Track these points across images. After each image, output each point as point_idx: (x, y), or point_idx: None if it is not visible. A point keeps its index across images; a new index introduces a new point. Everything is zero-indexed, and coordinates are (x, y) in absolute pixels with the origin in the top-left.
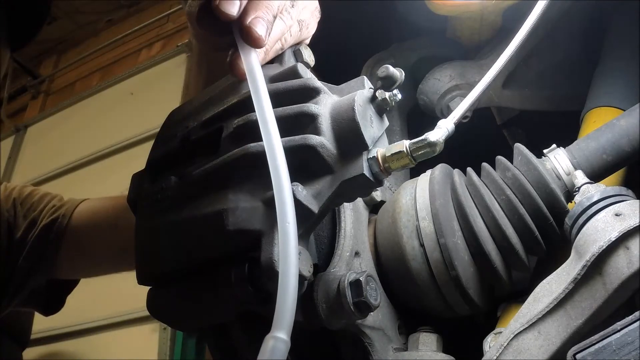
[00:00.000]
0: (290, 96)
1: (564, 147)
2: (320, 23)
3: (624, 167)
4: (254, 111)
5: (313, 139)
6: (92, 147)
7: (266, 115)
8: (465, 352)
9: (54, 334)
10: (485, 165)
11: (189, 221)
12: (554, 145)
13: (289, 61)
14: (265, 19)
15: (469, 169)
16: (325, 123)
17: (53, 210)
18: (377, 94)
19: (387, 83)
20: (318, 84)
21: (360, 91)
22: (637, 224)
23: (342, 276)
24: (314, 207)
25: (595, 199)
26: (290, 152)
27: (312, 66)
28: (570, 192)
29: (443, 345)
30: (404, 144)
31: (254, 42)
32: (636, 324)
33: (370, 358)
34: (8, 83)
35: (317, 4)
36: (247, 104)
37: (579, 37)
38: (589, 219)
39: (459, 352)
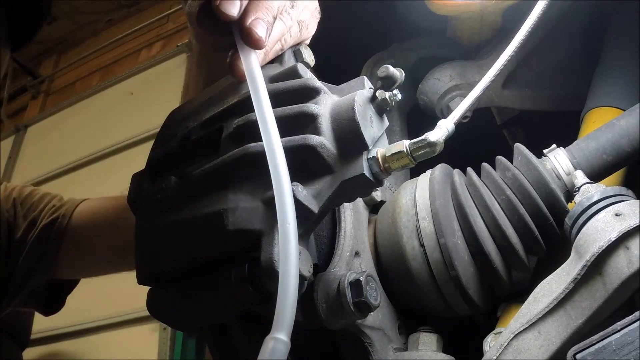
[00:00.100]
0: (290, 96)
1: (564, 147)
2: (320, 23)
3: (624, 167)
4: (254, 111)
5: (313, 139)
6: (92, 147)
7: (266, 116)
8: (465, 352)
9: (54, 334)
10: (485, 165)
11: (189, 221)
12: (554, 145)
13: (289, 61)
14: (265, 20)
15: (469, 169)
16: (325, 123)
17: (53, 210)
18: (377, 94)
19: (387, 83)
20: (318, 84)
21: (360, 91)
22: (637, 224)
23: (342, 276)
24: (314, 207)
25: (595, 199)
26: (290, 152)
27: (312, 66)
28: (570, 192)
29: (443, 345)
30: (404, 144)
31: (254, 44)
32: (636, 324)
33: (370, 358)
34: (8, 83)
35: (317, 4)
36: (247, 104)
37: (579, 37)
38: (589, 219)
39: (459, 352)
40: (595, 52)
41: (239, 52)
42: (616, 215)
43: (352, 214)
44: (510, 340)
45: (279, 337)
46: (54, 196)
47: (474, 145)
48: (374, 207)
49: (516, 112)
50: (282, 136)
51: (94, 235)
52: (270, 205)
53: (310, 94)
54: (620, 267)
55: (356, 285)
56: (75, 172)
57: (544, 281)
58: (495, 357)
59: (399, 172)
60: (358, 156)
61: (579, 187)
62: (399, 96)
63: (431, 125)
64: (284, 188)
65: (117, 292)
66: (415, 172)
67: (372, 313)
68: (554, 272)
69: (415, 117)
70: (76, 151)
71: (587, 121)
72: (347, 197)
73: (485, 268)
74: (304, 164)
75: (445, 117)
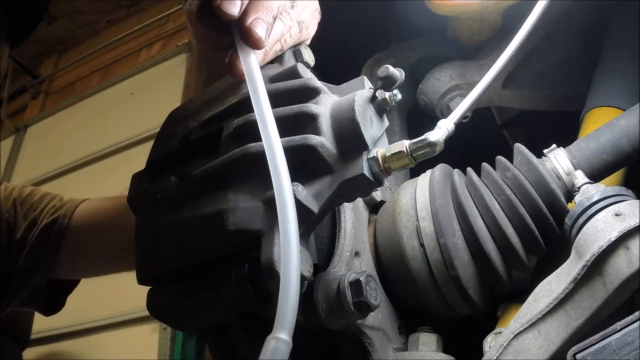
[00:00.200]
0: (290, 96)
1: (564, 147)
2: (320, 23)
3: (624, 167)
4: (254, 111)
5: (313, 139)
6: (92, 147)
7: (265, 116)
8: (465, 352)
9: (54, 334)
10: (485, 165)
11: (189, 221)
12: (554, 145)
13: (289, 61)
14: (265, 20)
15: (469, 169)
16: (325, 123)
17: (53, 210)
18: (377, 94)
19: (387, 83)
20: (318, 84)
21: (360, 91)
22: (637, 224)
23: (342, 276)
24: (314, 207)
25: (595, 199)
26: (290, 152)
27: (312, 66)
28: (570, 192)
29: (443, 345)
30: (404, 144)
31: (254, 44)
32: (636, 324)
33: (370, 358)
34: (8, 83)
35: (317, 5)
36: (247, 104)
37: (579, 37)
38: (589, 219)
39: (459, 352)
40: (595, 52)
41: (239, 52)
42: (616, 215)
43: (352, 214)
44: (510, 340)
45: (281, 337)
46: (54, 196)
47: (474, 145)
48: (374, 207)
49: (516, 112)
50: (282, 136)
51: (94, 236)
52: (270, 205)
53: (310, 94)
54: (620, 267)
55: (356, 285)
56: (75, 172)
57: (544, 281)
58: (495, 357)
59: (399, 172)
60: (358, 156)
61: (579, 187)
62: (399, 96)
63: (431, 125)
64: (284, 188)
65: (117, 292)
66: (415, 172)
67: (372, 313)
68: (554, 272)
69: (415, 117)
70: (76, 151)
71: (587, 121)
72: (347, 197)
73: (485, 268)
74: (304, 164)
75: (445, 117)
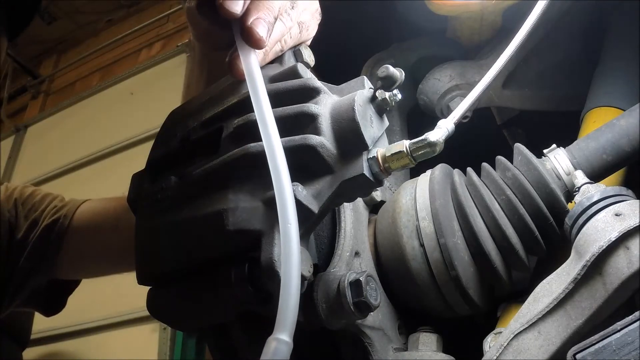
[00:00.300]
0: (290, 96)
1: (564, 147)
2: (320, 23)
3: (624, 167)
4: (254, 111)
5: (313, 139)
6: (92, 147)
7: (265, 116)
8: (465, 352)
9: (54, 334)
10: (485, 165)
11: (189, 221)
12: (554, 145)
13: (289, 61)
14: (266, 20)
15: (469, 169)
16: (325, 123)
17: (54, 210)
18: (377, 94)
19: (387, 83)
20: (318, 84)
21: (360, 91)
22: (637, 224)
23: (342, 276)
24: (314, 207)
25: (595, 199)
26: (290, 152)
27: (312, 66)
28: (570, 192)
29: (443, 345)
30: (404, 144)
31: (255, 43)
32: (636, 324)
33: (370, 358)
34: (8, 83)
35: (317, 6)
36: (247, 104)
37: (579, 37)
38: (589, 219)
39: (459, 352)
40: (595, 52)
41: (239, 52)
42: (616, 215)
43: (352, 214)
44: (510, 340)
45: (281, 338)
46: (55, 197)
47: (474, 145)
48: (374, 207)
49: (516, 112)
50: (282, 136)
51: (95, 236)
52: (270, 205)
53: (310, 94)
54: (620, 267)
55: (356, 285)
56: (75, 172)
57: (544, 281)
58: (495, 357)
59: (399, 172)
60: (358, 156)
61: (579, 187)
62: (399, 96)
63: (431, 125)
64: (285, 188)
65: (117, 292)
66: (415, 172)
67: (372, 313)
68: (554, 272)
69: (415, 117)
70: (76, 151)
71: (587, 121)
72: (347, 197)
73: (485, 268)
74: (304, 164)
75: (445, 117)
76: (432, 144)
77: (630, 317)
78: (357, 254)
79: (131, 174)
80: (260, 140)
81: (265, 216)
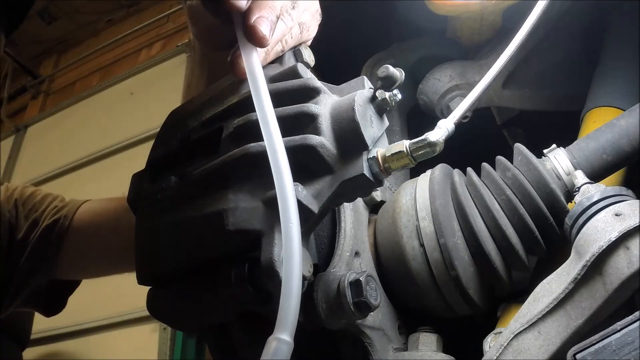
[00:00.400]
0: (290, 96)
1: (564, 147)
2: (320, 24)
3: (624, 167)
4: (254, 111)
5: (313, 139)
6: (92, 147)
7: (267, 115)
8: (465, 352)
9: (54, 334)
10: (485, 165)
11: (189, 221)
12: (554, 145)
13: (289, 61)
14: (269, 18)
15: (469, 169)
16: (325, 123)
17: (55, 211)
18: (377, 94)
19: (387, 83)
20: (318, 83)
21: (360, 91)
22: (637, 224)
23: (342, 276)
24: (314, 207)
25: (595, 199)
26: (290, 152)
27: (312, 66)
28: (570, 192)
29: (443, 345)
30: (404, 144)
31: (258, 41)
32: (636, 324)
33: (370, 358)
34: (8, 83)
35: (318, 6)
36: (247, 104)
37: (579, 37)
38: (589, 219)
39: (459, 352)
40: (595, 52)
41: (241, 50)
42: (616, 215)
43: (352, 214)
44: (510, 340)
45: (282, 338)
46: (55, 197)
47: (474, 145)
48: (374, 207)
49: (516, 112)
50: (282, 136)
51: (96, 237)
52: (270, 205)
53: (310, 94)
54: (620, 267)
55: (356, 285)
56: (75, 172)
57: (544, 281)
58: (495, 357)
59: (399, 172)
60: (358, 156)
61: (579, 187)
62: (399, 96)
63: (431, 125)
64: (287, 187)
65: (117, 292)
66: (415, 172)
67: (372, 313)
68: (554, 272)
69: (415, 117)
70: (76, 151)
71: (587, 121)
72: (347, 197)
73: (485, 268)
74: (304, 164)
75: (445, 117)
76: (432, 144)
77: (630, 317)
78: (357, 254)
79: (131, 174)
80: (261, 140)
81: (265, 216)
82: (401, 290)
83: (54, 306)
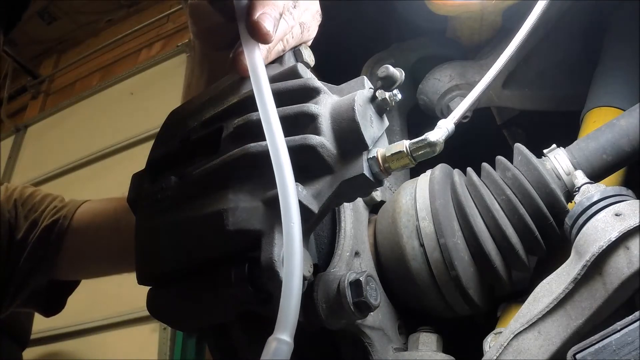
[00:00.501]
0: (290, 96)
1: (564, 147)
2: (320, 24)
3: (624, 167)
4: (254, 111)
5: (313, 139)
6: (92, 147)
7: (269, 111)
8: (465, 352)
9: (54, 334)
10: (485, 165)
11: (189, 221)
12: (554, 145)
13: (289, 61)
14: (272, 15)
15: (469, 169)
16: (325, 123)
17: (54, 211)
18: (377, 94)
19: (387, 83)
20: (318, 83)
21: (360, 91)
22: (637, 224)
23: (342, 276)
24: (314, 207)
25: (595, 199)
26: (291, 152)
27: (312, 66)
28: (570, 192)
29: (443, 345)
30: (404, 144)
31: (262, 37)
32: (636, 324)
33: (370, 358)
34: (8, 83)
35: (318, 7)
36: (247, 104)
37: (579, 37)
38: (589, 219)
39: (459, 352)
40: (595, 52)
41: (243, 47)
42: (616, 215)
43: (352, 214)
44: (510, 340)
45: (282, 338)
46: (55, 197)
47: (474, 145)
48: (374, 207)
49: (516, 112)
50: None
51: (95, 237)
52: (270, 205)
53: (310, 94)
54: (620, 267)
55: (356, 285)
56: (75, 172)
57: (544, 281)
58: (495, 357)
59: (399, 172)
60: (358, 156)
61: (579, 187)
62: (399, 96)
63: (431, 125)
64: (288, 187)
65: (117, 292)
66: (415, 172)
67: (372, 313)
68: (554, 272)
69: (415, 117)
70: (76, 151)
71: (587, 121)
72: (347, 197)
73: (485, 268)
74: (304, 164)
75: (445, 117)
76: (432, 144)
77: (630, 317)
78: (357, 254)
79: (131, 174)
80: (260, 140)
81: (265, 216)
82: (401, 290)
83: (53, 306)
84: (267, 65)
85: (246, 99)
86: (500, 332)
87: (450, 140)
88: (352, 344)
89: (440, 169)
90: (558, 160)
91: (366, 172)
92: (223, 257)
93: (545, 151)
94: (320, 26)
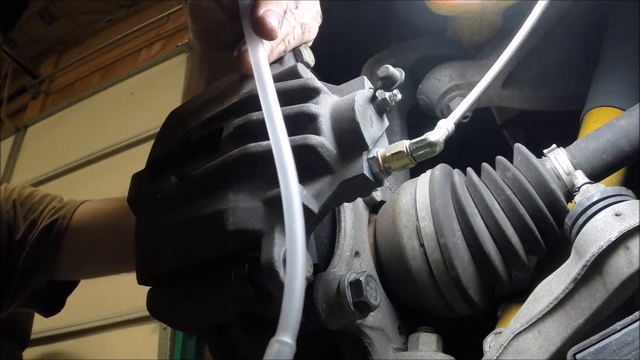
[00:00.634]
0: (290, 96)
1: (564, 147)
2: (320, 24)
3: (624, 167)
4: (254, 111)
5: (313, 139)
6: (92, 147)
7: (272, 110)
8: (465, 352)
9: (54, 334)
10: (485, 165)
11: (189, 221)
12: (554, 145)
13: (289, 61)
14: (277, 12)
15: (469, 169)
16: (325, 123)
17: (53, 211)
18: (377, 94)
19: (387, 83)
20: (318, 84)
21: (360, 91)
22: (637, 224)
23: (342, 276)
24: (314, 207)
25: (595, 199)
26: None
27: (312, 66)
28: (570, 192)
29: (443, 345)
30: (404, 144)
31: (267, 34)
32: (636, 324)
33: (370, 358)
34: (8, 83)
35: (318, 8)
36: (247, 104)
37: (579, 37)
38: (589, 219)
39: (459, 352)
40: (595, 52)
41: (247, 45)
42: (616, 215)
43: (352, 214)
44: (510, 340)
45: (284, 340)
46: (54, 197)
47: (474, 145)
48: (374, 207)
49: (516, 112)
50: None
51: (95, 237)
52: (270, 205)
53: (310, 94)
54: (620, 267)
55: (356, 285)
56: (75, 172)
57: (544, 281)
58: (495, 357)
59: (399, 172)
60: (358, 156)
61: (579, 187)
62: (399, 96)
63: (431, 125)
64: (292, 187)
65: (117, 292)
66: (415, 172)
67: (372, 313)
68: (554, 272)
69: (415, 117)
70: (76, 151)
71: (587, 121)
72: (347, 197)
73: (485, 268)
74: (304, 164)
75: (445, 117)
76: (432, 144)
77: (630, 317)
78: (357, 254)
79: (131, 174)
80: (260, 140)
81: (265, 216)
82: (401, 290)
83: (53, 306)
84: None
85: (246, 99)
86: (500, 332)
87: (450, 140)
88: (352, 344)
89: (440, 169)
90: (558, 160)
91: (366, 172)
92: (223, 257)
93: (545, 151)
94: (321, 26)
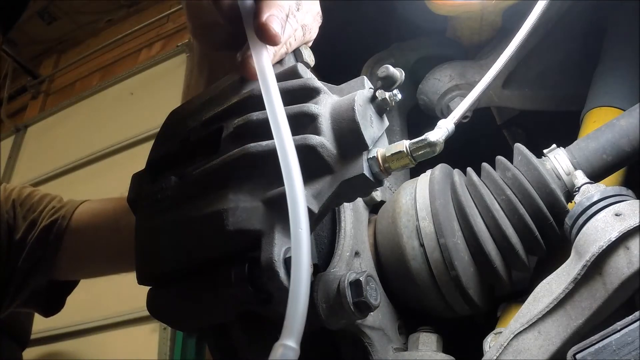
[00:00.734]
0: (290, 96)
1: (564, 147)
2: (320, 24)
3: (624, 167)
4: (254, 111)
5: (313, 139)
6: (92, 147)
7: (277, 115)
8: (465, 352)
9: (54, 334)
10: (485, 165)
11: (189, 221)
12: (554, 145)
13: (289, 61)
14: (279, 17)
15: (469, 169)
16: (325, 123)
17: (53, 211)
18: (377, 94)
19: (387, 83)
20: (318, 84)
21: (360, 91)
22: (637, 224)
23: (342, 276)
24: (314, 207)
25: (595, 199)
26: None
27: (312, 66)
28: (570, 192)
29: (443, 345)
30: (404, 144)
31: (270, 39)
32: (636, 324)
33: (370, 358)
34: (8, 83)
35: (319, 8)
36: (247, 104)
37: (579, 37)
38: (589, 219)
39: (459, 352)
40: (595, 52)
41: (251, 50)
42: (616, 215)
43: (352, 214)
44: (510, 340)
45: (288, 344)
46: (53, 197)
47: (474, 145)
48: (374, 207)
49: (516, 112)
50: None
51: (95, 237)
52: (270, 205)
53: (310, 94)
54: (620, 267)
55: (356, 285)
56: (75, 172)
57: (544, 281)
58: (495, 357)
59: (399, 172)
60: (358, 156)
61: (579, 187)
62: (399, 96)
63: (431, 125)
64: (297, 192)
65: (117, 292)
66: (415, 172)
67: (372, 313)
68: (554, 272)
69: (415, 117)
70: (76, 151)
71: (587, 121)
72: (347, 197)
73: (485, 268)
74: (304, 164)
75: (445, 117)
76: (432, 144)
77: (630, 317)
78: (357, 254)
79: (131, 174)
80: (260, 140)
81: (265, 216)
82: (401, 290)
83: (53, 306)
84: None
85: (246, 99)
86: (500, 332)
87: (450, 140)
88: (352, 344)
89: (440, 169)
90: (558, 160)
91: (366, 172)
92: (223, 257)
93: (545, 151)
94: (321, 27)
